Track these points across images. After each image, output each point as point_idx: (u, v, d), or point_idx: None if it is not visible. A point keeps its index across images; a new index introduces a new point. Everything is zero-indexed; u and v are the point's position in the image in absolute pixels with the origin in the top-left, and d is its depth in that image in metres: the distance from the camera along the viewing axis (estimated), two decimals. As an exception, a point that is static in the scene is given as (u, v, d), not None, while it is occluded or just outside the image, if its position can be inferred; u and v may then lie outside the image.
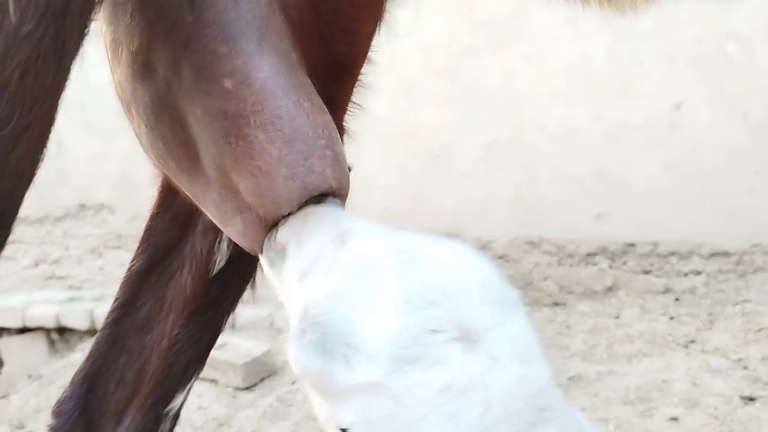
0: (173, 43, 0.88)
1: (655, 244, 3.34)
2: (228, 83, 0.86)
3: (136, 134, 1.01)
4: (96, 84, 3.86)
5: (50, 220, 4.21)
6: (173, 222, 1.22)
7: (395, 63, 3.24)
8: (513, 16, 3.32)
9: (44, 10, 0.61)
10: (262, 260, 0.93)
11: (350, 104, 1.17)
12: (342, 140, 1.15)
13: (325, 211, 0.89)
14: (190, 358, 1.28)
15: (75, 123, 3.96)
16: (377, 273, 0.77)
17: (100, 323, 3.50)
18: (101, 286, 3.72)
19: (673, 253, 3.35)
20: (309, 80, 0.93)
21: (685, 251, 3.33)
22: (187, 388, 1.32)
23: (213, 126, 0.87)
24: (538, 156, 3.34)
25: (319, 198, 0.89)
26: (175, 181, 1.02)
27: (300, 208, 0.89)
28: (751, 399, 2.55)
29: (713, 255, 3.30)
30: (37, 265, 4.11)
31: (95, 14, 0.68)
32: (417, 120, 3.48)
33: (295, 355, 0.76)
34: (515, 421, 0.72)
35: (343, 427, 0.75)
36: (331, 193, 0.90)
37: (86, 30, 0.66)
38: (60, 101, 0.67)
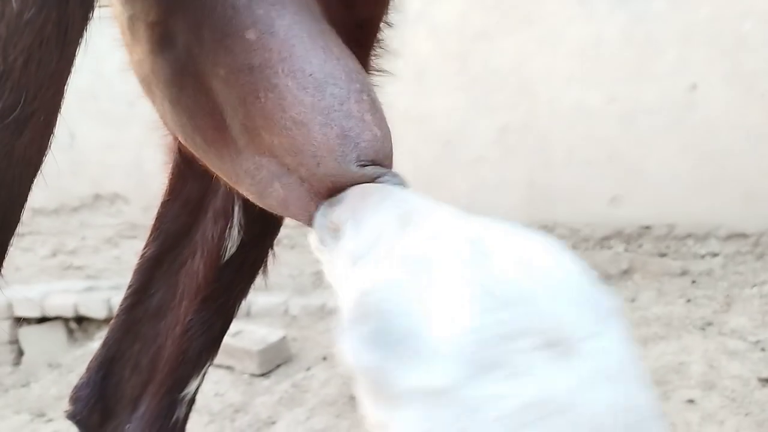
0: (192, 6, 0.84)
1: (671, 227, 3.31)
2: (251, 34, 0.81)
3: (160, 114, 0.97)
4: (108, 74, 3.88)
5: (66, 210, 4.24)
6: (184, 209, 1.22)
7: (406, 47, 3.22)
8: (524, -2, 3.29)
9: None
10: (312, 237, 0.84)
11: (373, 70, 1.12)
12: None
13: (386, 190, 0.79)
14: (203, 344, 1.29)
15: (87, 113, 3.97)
16: (448, 263, 0.65)
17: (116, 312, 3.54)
18: (118, 276, 3.75)
19: (689, 236, 3.32)
20: (333, 29, 0.87)
21: (701, 233, 3.30)
22: (202, 373, 1.33)
23: (239, 83, 0.82)
24: (552, 139, 3.31)
25: (373, 167, 0.81)
26: (203, 159, 0.96)
27: (353, 170, 0.80)
28: (769, 380, 2.54)
29: (730, 237, 3.27)
30: (54, 255, 4.15)
31: None
32: (429, 105, 3.46)
33: (348, 346, 0.65)
34: None
35: None
36: (377, 152, 0.81)
37: (90, 14, 0.65)
38: (65, 87, 0.67)
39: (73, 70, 0.66)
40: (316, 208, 0.83)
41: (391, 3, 1.08)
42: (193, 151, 0.96)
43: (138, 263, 1.27)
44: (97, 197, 4.20)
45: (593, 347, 0.61)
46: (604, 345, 0.62)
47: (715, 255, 3.32)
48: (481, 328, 0.60)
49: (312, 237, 0.85)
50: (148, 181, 3.81)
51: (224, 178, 0.96)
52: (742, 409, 2.38)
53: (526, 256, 0.66)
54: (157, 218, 1.24)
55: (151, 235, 1.25)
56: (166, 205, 1.23)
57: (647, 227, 3.36)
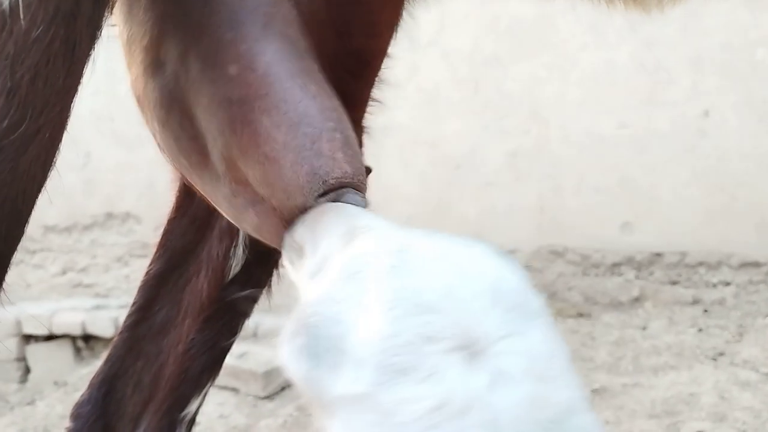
0: (182, 34, 0.87)
1: (683, 254, 3.29)
2: (232, 69, 0.84)
3: (152, 133, 1.00)
4: (123, 95, 3.91)
5: (78, 228, 4.27)
6: (190, 226, 1.22)
7: (418, 71, 3.24)
8: (537, 24, 3.30)
9: (54, 13, 0.61)
10: (284, 260, 0.88)
11: (370, 101, 1.14)
12: (361, 139, 1.12)
13: (341, 209, 0.82)
14: (205, 363, 1.28)
15: (103, 134, 4.02)
16: (370, 273, 0.69)
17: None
18: (127, 294, 3.76)
19: (701, 264, 3.29)
20: (317, 66, 0.90)
21: (713, 261, 3.27)
22: (203, 393, 1.32)
23: (219, 115, 0.85)
24: (563, 165, 3.31)
25: (336, 190, 0.84)
26: (188, 179, 1.00)
27: (317, 198, 0.83)
28: (781, 413, 2.50)
29: (743, 265, 3.24)
30: (64, 273, 4.17)
31: (107, 16, 0.68)
32: (440, 129, 3.48)
33: (285, 358, 0.70)
34: None
35: None
36: (346, 183, 0.84)
37: (98, 32, 0.66)
38: (72, 104, 0.68)
39: (81, 87, 0.67)
40: (285, 234, 0.86)
41: (391, 35, 1.10)
42: (179, 171, 0.99)
43: (143, 280, 1.27)
44: (110, 216, 4.23)
45: (505, 348, 0.64)
46: (517, 346, 0.64)
47: (727, 284, 3.29)
48: (394, 334, 0.63)
49: (284, 258, 0.89)
50: (160, 201, 3.83)
51: (207, 199, 0.99)
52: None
53: (453, 264, 0.69)
54: (163, 235, 1.25)
55: (157, 252, 1.25)
56: (172, 223, 1.24)
57: (658, 254, 3.33)
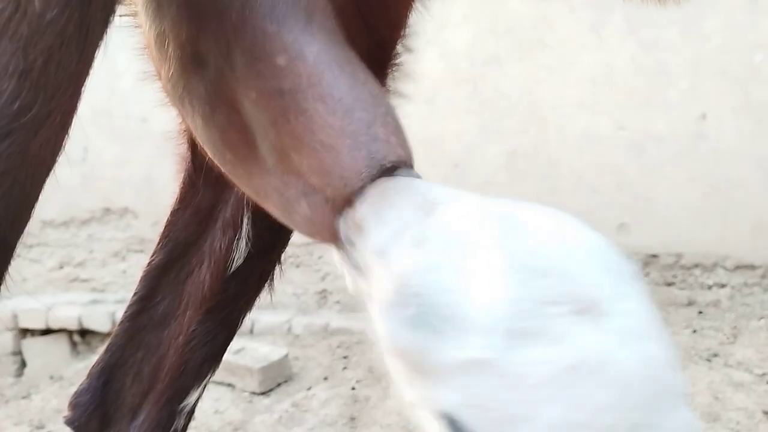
0: (222, 29, 0.87)
1: (679, 256, 3.30)
2: (281, 60, 0.84)
3: (191, 128, 0.99)
4: (123, 91, 3.92)
5: (75, 223, 4.26)
6: (193, 218, 1.22)
7: (417, 71, 3.24)
8: (536, 25, 3.31)
9: None
10: (336, 252, 0.86)
11: (391, 92, 1.15)
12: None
13: (406, 182, 0.80)
14: (205, 355, 1.29)
15: (101, 129, 4.01)
16: (478, 241, 0.68)
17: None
18: (124, 290, 3.76)
19: (696, 266, 3.30)
20: (357, 56, 0.90)
21: (709, 263, 3.28)
22: (202, 385, 1.33)
23: (270, 106, 0.85)
24: (561, 166, 3.32)
25: (390, 171, 0.83)
26: (232, 175, 0.99)
27: (372, 182, 0.82)
28: (775, 414, 2.51)
29: (738, 268, 3.26)
30: (61, 267, 4.17)
31: (120, 1, 0.68)
32: (438, 128, 3.48)
33: (389, 330, 0.68)
34: (654, 406, 0.62)
35: (444, 411, 0.65)
36: (400, 163, 0.84)
37: (111, 17, 0.67)
38: (83, 89, 0.68)
39: (91, 72, 0.67)
40: (339, 218, 0.85)
41: (407, 26, 1.10)
42: (221, 166, 0.98)
43: (145, 270, 1.27)
44: (107, 211, 4.22)
45: (620, 308, 0.64)
46: (629, 306, 0.65)
47: (722, 286, 3.30)
48: (517, 300, 0.63)
49: (336, 252, 0.87)
50: (157, 196, 3.84)
51: (251, 194, 0.98)
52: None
53: (553, 230, 0.69)
54: (166, 226, 1.25)
55: (159, 242, 1.25)
56: (176, 214, 1.24)
57: (654, 256, 3.34)
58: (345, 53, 0.87)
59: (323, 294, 3.49)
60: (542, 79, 3.31)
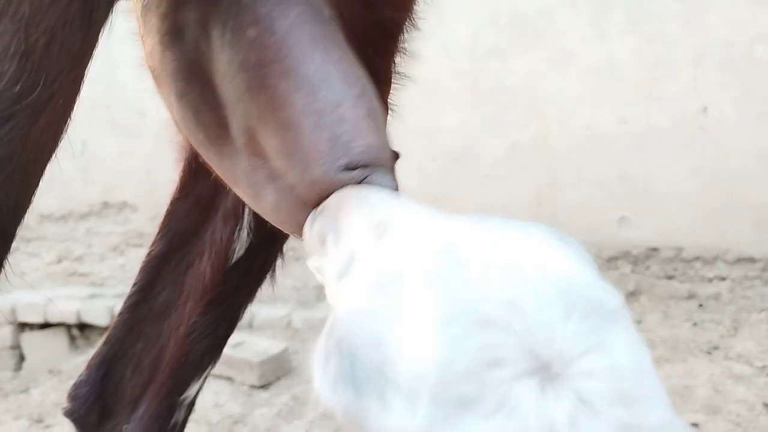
0: (201, 0, 0.84)
1: (679, 249, 3.29)
2: (251, 32, 0.80)
3: (168, 107, 0.95)
4: (121, 83, 3.90)
5: (74, 217, 4.25)
6: (194, 207, 1.21)
7: (417, 64, 3.22)
8: (537, 17, 3.29)
9: None
10: (307, 249, 0.79)
11: (396, 76, 1.10)
12: (386, 118, 1.05)
13: (367, 193, 0.73)
14: (206, 347, 1.27)
15: (100, 121, 3.99)
16: (412, 278, 0.58)
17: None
18: (122, 284, 3.74)
19: (697, 259, 3.30)
20: (343, 35, 0.85)
21: (709, 256, 3.28)
22: (203, 377, 1.31)
23: (236, 80, 0.81)
24: (561, 159, 3.31)
25: (362, 167, 0.76)
26: (205, 157, 0.95)
27: (340, 172, 0.75)
28: (775, 406, 2.51)
29: (738, 261, 3.25)
30: (60, 261, 4.15)
31: None
32: (438, 121, 3.47)
33: (319, 386, 0.61)
34: None
35: None
36: (373, 158, 0.76)
37: None
38: (86, 71, 0.66)
39: (94, 54, 0.65)
40: (305, 217, 0.80)
41: (414, 6, 1.05)
42: (195, 147, 0.95)
43: (145, 261, 1.26)
44: (106, 205, 4.20)
45: (585, 368, 0.53)
46: (599, 363, 0.53)
47: (722, 279, 3.29)
48: (452, 360, 0.53)
49: (307, 248, 0.81)
50: (157, 190, 3.82)
51: (223, 177, 0.94)
52: (742, 437, 2.35)
53: (508, 260, 0.58)
54: (166, 216, 1.23)
55: (159, 232, 1.24)
56: (176, 203, 1.22)
57: (655, 249, 3.34)
58: (322, 29, 0.82)
59: (323, 288, 3.47)
60: (543, 72, 3.30)
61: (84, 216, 4.22)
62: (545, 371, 0.52)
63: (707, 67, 3.12)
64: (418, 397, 0.53)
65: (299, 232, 0.80)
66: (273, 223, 0.90)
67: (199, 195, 1.20)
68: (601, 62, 3.22)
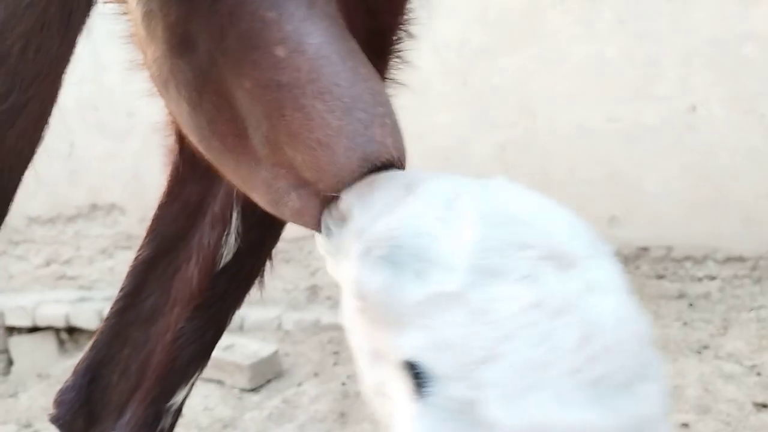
0: (216, 12, 0.83)
1: (669, 249, 3.30)
2: (280, 51, 0.81)
3: (175, 114, 0.96)
4: (109, 85, 3.87)
5: (62, 220, 4.22)
6: (182, 212, 1.20)
7: (406, 63, 3.22)
8: (527, 16, 3.29)
9: None
10: (318, 237, 0.87)
11: (390, 82, 1.13)
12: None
13: (392, 173, 0.81)
14: (193, 353, 1.26)
15: (87, 124, 3.96)
16: (453, 197, 0.68)
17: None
18: (111, 287, 3.72)
19: (687, 258, 3.31)
20: (359, 46, 0.88)
21: (699, 256, 3.29)
22: (190, 383, 1.30)
23: (265, 98, 0.82)
24: (552, 158, 3.31)
25: (380, 169, 0.83)
26: (218, 163, 0.96)
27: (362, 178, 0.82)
28: (764, 406, 2.51)
29: (728, 260, 3.26)
30: (48, 264, 4.12)
31: None
32: (429, 121, 3.46)
33: (356, 274, 0.67)
34: (619, 364, 0.60)
35: (407, 358, 0.63)
36: (391, 163, 0.84)
37: None
38: (64, 76, 0.64)
39: (72, 58, 0.64)
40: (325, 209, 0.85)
41: (407, 13, 1.08)
42: (206, 154, 0.96)
43: (132, 266, 1.24)
44: (94, 207, 4.18)
45: (592, 263, 0.65)
46: (600, 263, 0.66)
47: (712, 278, 3.30)
48: (486, 239, 0.64)
49: (318, 237, 0.87)
50: (145, 192, 3.79)
51: (236, 183, 0.96)
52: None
53: (530, 200, 0.71)
54: (153, 220, 1.22)
55: (146, 237, 1.23)
56: (163, 208, 1.21)
57: (645, 248, 3.34)
58: (347, 45, 0.85)
59: (313, 289, 3.48)
60: (533, 71, 3.30)
61: (72, 218, 4.20)
62: (561, 259, 0.64)
63: (696, 66, 3.13)
64: (453, 268, 0.63)
65: (320, 228, 0.86)
66: (289, 221, 0.94)
67: (186, 200, 1.19)
68: (590, 61, 3.23)
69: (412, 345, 0.63)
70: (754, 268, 3.26)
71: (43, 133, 0.67)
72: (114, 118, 3.96)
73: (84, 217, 4.17)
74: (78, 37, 0.63)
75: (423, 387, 0.62)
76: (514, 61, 3.31)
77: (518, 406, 0.58)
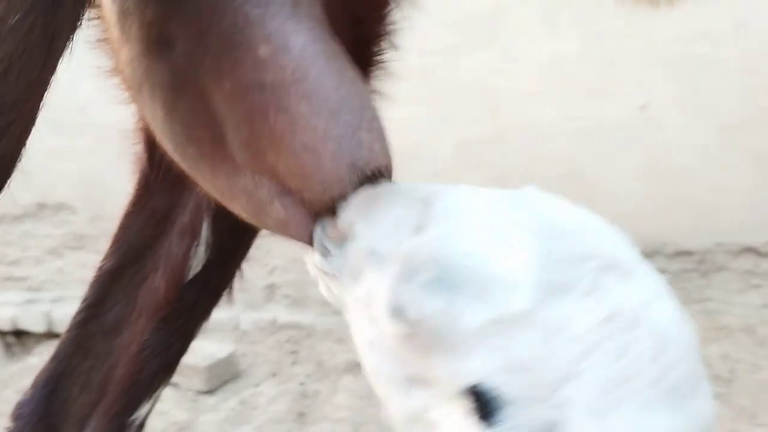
0: (197, 9, 0.79)
1: (622, 244, 3.37)
2: (264, 50, 0.77)
3: (149, 119, 0.91)
4: (59, 82, 3.73)
5: (8, 219, 4.08)
6: (149, 222, 1.16)
7: (390, 73, 3.20)
8: (489, 15, 3.31)
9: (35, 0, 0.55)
10: (310, 255, 0.82)
11: (373, 92, 1.10)
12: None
13: (394, 186, 0.78)
14: (158, 366, 1.24)
15: (36, 120, 3.83)
16: (492, 209, 0.66)
17: (58, 326, 3.40)
18: (60, 288, 3.61)
19: (639, 252, 3.38)
20: (343, 49, 0.84)
21: (650, 250, 3.35)
22: (154, 396, 1.28)
23: (246, 100, 0.79)
24: (510, 156, 3.34)
25: (371, 179, 0.80)
26: (192, 172, 0.92)
27: (353, 189, 0.79)
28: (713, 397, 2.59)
29: (677, 254, 3.34)
30: (-6, 265, 3.99)
31: (90, 5, 0.61)
32: (390, 119, 3.45)
33: (406, 301, 0.62)
34: (690, 365, 0.61)
35: (471, 384, 0.60)
36: (381, 171, 0.81)
37: (79, 23, 0.60)
38: (44, 99, 0.61)
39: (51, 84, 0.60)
40: (316, 225, 0.81)
41: (390, 21, 1.08)
42: (181, 163, 0.91)
43: (95, 276, 1.21)
44: (42, 206, 4.05)
45: (641, 269, 0.66)
46: (648, 270, 0.67)
47: (663, 272, 3.36)
48: (542, 254, 0.62)
49: (310, 254, 0.83)
50: (96, 191, 3.69)
51: (214, 194, 0.92)
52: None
53: (565, 207, 0.71)
54: (118, 229, 1.19)
55: (111, 247, 1.19)
56: (130, 217, 1.17)
57: (600, 244, 3.41)
58: (332, 46, 0.81)
59: (271, 288, 3.44)
60: (493, 69, 3.31)
61: (19, 218, 4.06)
62: (618, 269, 0.63)
63: (650, 65, 3.19)
64: (517, 286, 0.60)
65: (308, 239, 0.82)
66: (277, 234, 0.89)
67: (154, 209, 1.15)
68: (549, 60, 3.26)
69: (479, 369, 0.60)
70: (701, 261, 3.34)
71: (21, 156, 0.64)
72: (64, 116, 3.82)
73: (32, 217, 4.03)
74: (59, 62, 0.60)
75: (492, 413, 0.59)
76: (474, 60, 3.33)
77: (606, 420, 0.57)
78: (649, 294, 0.64)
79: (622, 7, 1.11)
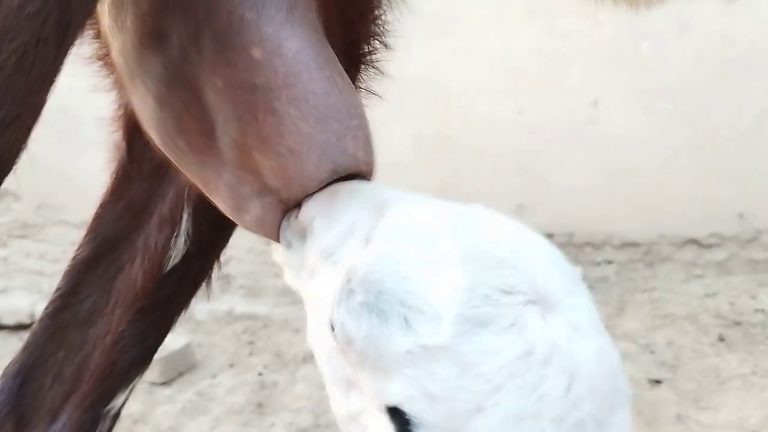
0: (193, 7, 0.80)
1: (571, 235, 3.46)
2: (257, 52, 0.79)
3: (138, 109, 0.92)
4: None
5: (-53, 207, 3.94)
6: (126, 211, 1.16)
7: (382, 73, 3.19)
8: (440, 10, 3.34)
9: None
10: (276, 247, 0.85)
11: (364, 91, 1.13)
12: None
13: (357, 186, 0.80)
14: (134, 357, 1.24)
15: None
16: (433, 233, 0.68)
17: (2, 317, 3.28)
18: (5, 278, 3.50)
19: (587, 244, 3.47)
20: (335, 55, 0.87)
21: (597, 242, 3.46)
22: (130, 387, 1.28)
23: (237, 100, 0.80)
24: (462, 149, 3.38)
25: (345, 178, 0.83)
26: (180, 163, 0.93)
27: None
28: (658, 382, 2.69)
29: (623, 245, 3.45)
30: (-68, 255, 3.84)
31: None
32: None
33: (340, 320, 0.66)
34: (600, 401, 0.63)
35: (392, 404, 0.63)
36: (362, 176, 0.84)
37: (91, 14, 0.61)
38: (52, 90, 0.62)
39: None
40: (285, 217, 0.84)
41: (381, 22, 1.11)
42: (168, 153, 0.92)
43: (69, 265, 1.20)
44: (-16, 194, 3.92)
45: (573, 303, 0.67)
46: (578, 302, 0.68)
47: (609, 262, 3.49)
48: (474, 286, 0.64)
49: (275, 246, 0.86)
50: (41, 177, 3.58)
51: (198, 184, 0.94)
52: (633, 409, 2.52)
53: (504, 227, 0.72)
54: (94, 219, 1.18)
55: (86, 236, 1.18)
56: (106, 206, 1.17)
57: (550, 235, 3.48)
58: (325, 53, 0.84)
59: (227, 279, 3.41)
60: (445, 63, 3.35)
61: (-40, 206, 3.92)
62: (545, 302, 0.65)
63: (598, 62, 3.28)
64: (442, 318, 0.62)
65: (279, 237, 0.84)
66: (249, 230, 0.91)
67: (132, 199, 1.15)
68: (500, 54, 3.31)
69: (399, 393, 0.63)
70: (647, 252, 3.46)
71: (25, 146, 0.64)
72: (5, 100, 3.71)
73: (-27, 205, 3.90)
74: (69, 53, 0.61)
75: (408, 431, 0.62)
76: (427, 53, 3.36)
77: None
78: (568, 330, 0.65)
79: (591, 5, 1.15)
